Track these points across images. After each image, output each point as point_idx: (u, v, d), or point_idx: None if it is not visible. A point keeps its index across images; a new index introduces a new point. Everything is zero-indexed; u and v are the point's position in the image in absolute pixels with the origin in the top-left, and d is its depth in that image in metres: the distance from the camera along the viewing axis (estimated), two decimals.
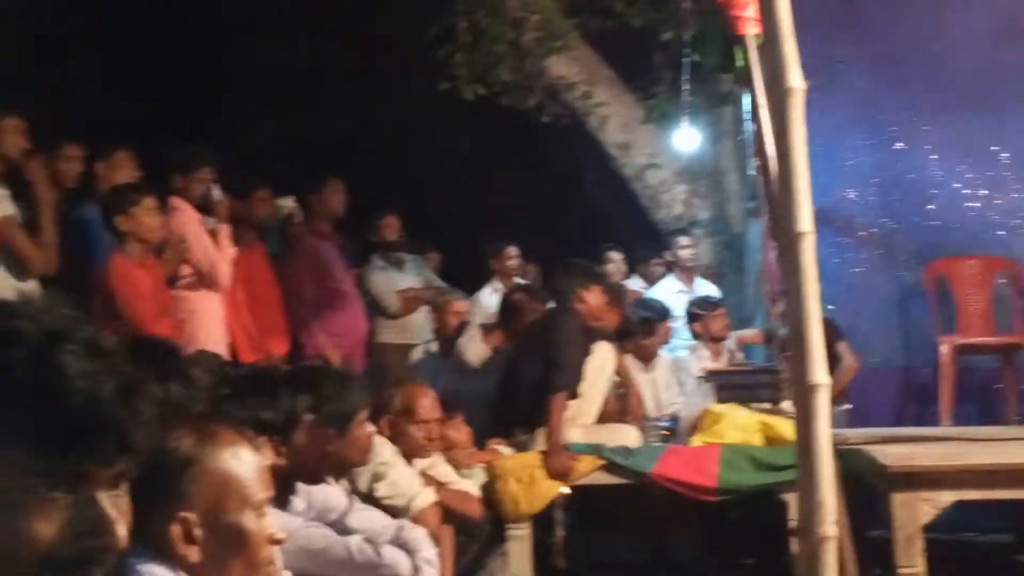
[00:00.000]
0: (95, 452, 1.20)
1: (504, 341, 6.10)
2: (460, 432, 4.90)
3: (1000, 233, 7.17)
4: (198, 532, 1.81)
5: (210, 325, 5.56)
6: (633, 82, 9.08)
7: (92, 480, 1.21)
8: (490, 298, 7.43)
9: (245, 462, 1.89)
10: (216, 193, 5.70)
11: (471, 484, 4.87)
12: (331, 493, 3.41)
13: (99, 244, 5.39)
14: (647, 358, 6.73)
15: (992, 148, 7.16)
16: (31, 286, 4.98)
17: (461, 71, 8.79)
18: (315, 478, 3.19)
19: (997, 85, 7.13)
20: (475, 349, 6.18)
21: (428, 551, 3.38)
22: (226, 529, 1.84)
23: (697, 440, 5.45)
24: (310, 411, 3.06)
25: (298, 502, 3.18)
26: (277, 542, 1.93)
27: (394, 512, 3.83)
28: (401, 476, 4.08)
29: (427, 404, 4.37)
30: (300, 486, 3.17)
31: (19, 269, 5.03)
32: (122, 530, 1.24)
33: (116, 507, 1.23)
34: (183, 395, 2.45)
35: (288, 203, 6.71)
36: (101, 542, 1.22)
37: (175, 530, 1.80)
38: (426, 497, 4.12)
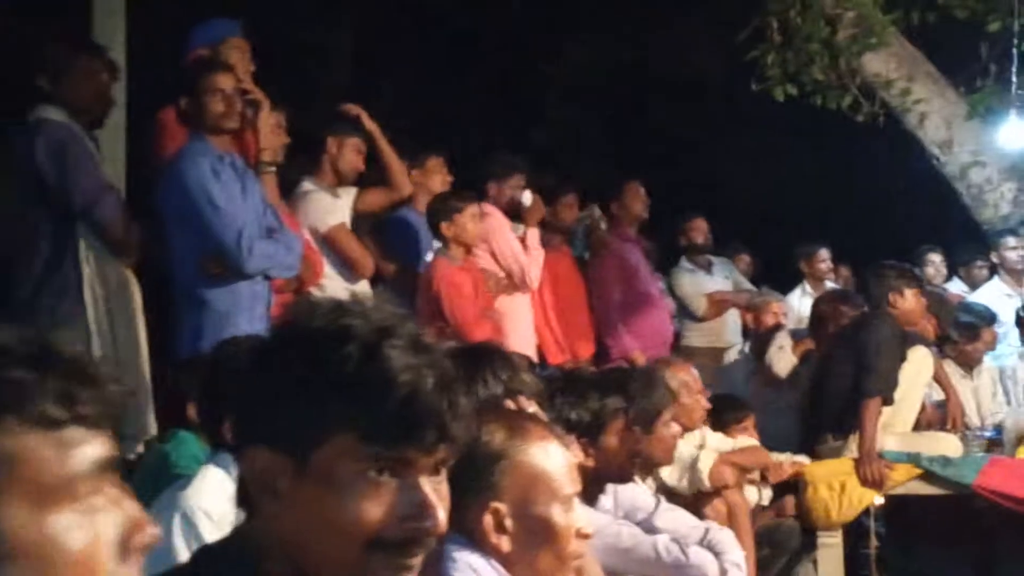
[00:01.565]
0: (418, 440, 1.29)
1: (815, 348, 5.98)
2: (749, 434, 4.85)
3: None
4: (508, 523, 1.87)
5: (520, 327, 5.74)
6: (955, 76, 8.66)
7: (415, 466, 1.30)
8: (800, 301, 7.29)
9: (553, 457, 1.92)
10: (527, 197, 5.87)
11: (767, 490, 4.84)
12: (638, 493, 3.45)
13: (418, 245, 5.67)
14: (970, 365, 6.41)
15: None
16: (361, 287, 5.31)
17: (773, 71, 8.66)
18: (623, 477, 3.23)
19: None
20: (783, 359, 6.09)
21: (736, 553, 3.36)
22: (535, 521, 1.88)
23: (1023, 451, 5.16)
24: (618, 412, 3.11)
25: (606, 501, 3.24)
26: (585, 536, 1.95)
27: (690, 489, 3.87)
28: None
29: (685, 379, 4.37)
30: (608, 485, 3.22)
31: (350, 273, 5.36)
32: (443, 515, 1.32)
33: (437, 493, 1.31)
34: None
35: (595, 212, 6.82)
36: (424, 525, 1.30)
37: (487, 520, 1.86)
38: (708, 456, 4.13)
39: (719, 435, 4.69)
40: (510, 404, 2.36)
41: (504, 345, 4.78)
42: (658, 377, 3.55)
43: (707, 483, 4.23)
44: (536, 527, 1.88)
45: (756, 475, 4.93)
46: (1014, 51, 7.72)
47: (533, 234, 5.82)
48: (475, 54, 9.84)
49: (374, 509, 1.28)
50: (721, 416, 4.90)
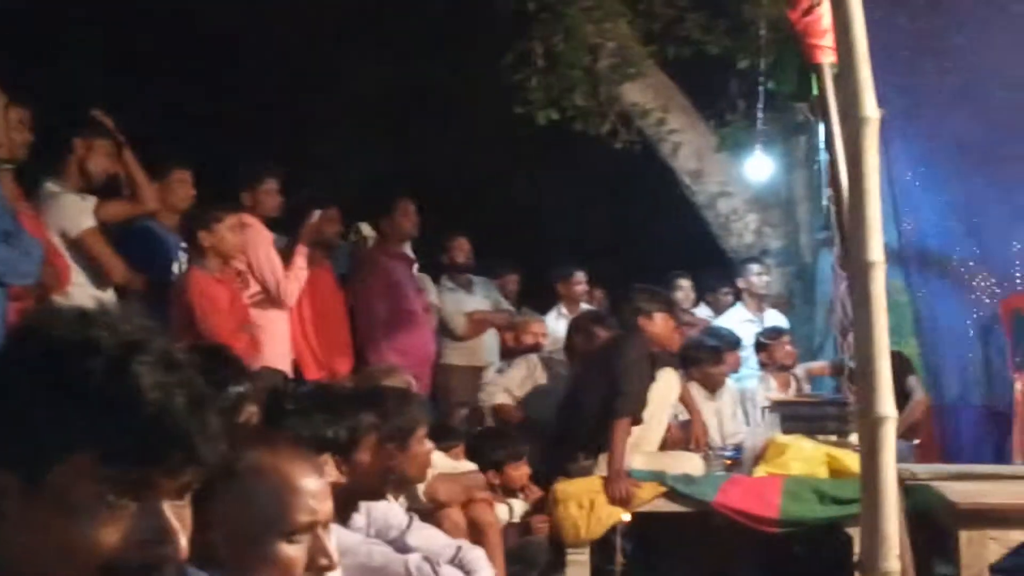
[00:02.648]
0: (163, 462, 1.23)
1: (568, 366, 6.11)
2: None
3: None
4: (224, 552, 1.76)
5: (275, 342, 5.64)
6: (708, 110, 9.07)
7: (158, 490, 1.23)
8: (555, 323, 7.43)
9: (281, 485, 1.81)
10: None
11: (519, 506, 4.90)
12: (391, 511, 3.43)
13: (163, 257, 5.48)
14: (713, 386, 6.69)
15: None
16: (109, 295, 5.09)
17: (536, 95, 8.84)
18: (376, 495, 3.20)
19: None
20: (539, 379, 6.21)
21: (486, 572, 3.38)
22: (251, 552, 1.77)
23: (761, 470, 5.41)
24: (372, 428, 3.08)
25: (359, 519, 3.20)
26: (323, 569, 1.82)
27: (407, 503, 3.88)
28: None
29: None
30: (361, 503, 3.19)
31: (99, 279, 5.14)
32: (183, 540, 1.26)
33: (179, 517, 1.25)
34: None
35: (366, 229, 6.77)
36: (162, 551, 1.24)
37: (211, 546, 1.74)
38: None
39: (441, 454, 4.73)
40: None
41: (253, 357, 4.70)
42: (414, 394, 3.54)
43: (423, 499, 4.27)
44: (253, 558, 1.76)
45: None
46: (761, 88, 8.13)
47: (302, 251, 5.73)
48: (237, 61, 9.63)
49: (110, 534, 1.21)
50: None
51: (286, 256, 5.71)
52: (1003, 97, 7.10)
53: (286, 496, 1.80)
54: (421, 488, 4.25)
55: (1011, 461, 6.58)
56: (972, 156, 7.16)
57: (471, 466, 4.82)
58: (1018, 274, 7.10)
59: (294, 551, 1.78)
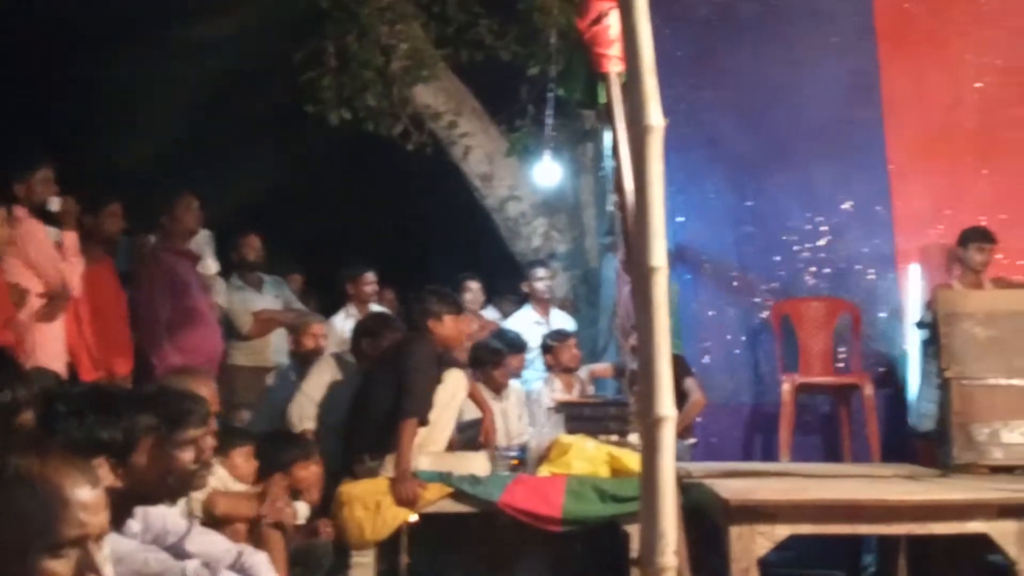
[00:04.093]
0: None
1: (357, 366, 6.07)
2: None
3: (843, 277, 7.44)
4: None
5: (49, 341, 5.38)
6: (498, 115, 9.18)
7: None
8: (344, 323, 7.37)
9: (49, 496, 1.71)
10: (56, 202, 5.49)
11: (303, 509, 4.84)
12: (169, 516, 3.33)
13: None
14: (498, 388, 6.76)
15: (838, 196, 7.44)
16: None
17: (327, 95, 8.75)
18: (153, 499, 3.10)
19: (845, 137, 7.42)
20: (328, 379, 6.12)
21: None
22: (13, 567, 1.68)
23: (544, 470, 5.49)
24: (150, 430, 2.98)
25: (134, 524, 3.10)
26: None
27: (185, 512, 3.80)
28: None
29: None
30: (138, 509, 3.08)
31: None
32: None
33: None
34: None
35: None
36: None
37: None
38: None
39: (224, 471, 4.63)
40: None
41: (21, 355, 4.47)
42: (193, 394, 3.44)
43: (198, 511, 4.17)
44: (13, 574, 1.66)
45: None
46: (550, 95, 8.27)
47: (71, 238, 5.48)
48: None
49: None
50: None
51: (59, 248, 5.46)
52: (775, 114, 7.46)
53: (54, 508, 1.70)
54: (198, 502, 4.14)
55: (778, 459, 6.92)
56: (746, 169, 7.49)
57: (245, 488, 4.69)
58: (784, 279, 7.46)
59: (60, 566, 1.69)
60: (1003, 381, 5.71)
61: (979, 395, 5.71)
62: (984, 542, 4.41)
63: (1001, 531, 4.34)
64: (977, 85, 7.41)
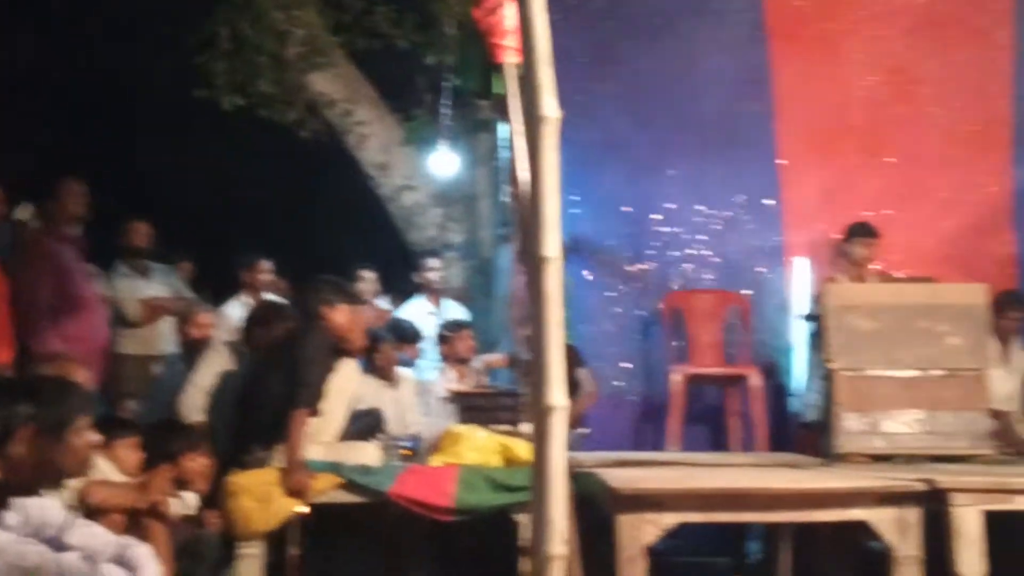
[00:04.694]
0: None
1: (249, 355, 5.99)
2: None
3: (733, 269, 7.57)
4: None
5: None
6: (395, 103, 9.12)
7: None
8: (236, 312, 7.27)
9: None
10: None
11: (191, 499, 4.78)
12: (48, 508, 3.24)
13: None
14: (386, 375, 6.73)
15: (730, 189, 7.56)
16: None
17: (221, 80, 8.62)
18: (31, 490, 3.03)
19: (737, 131, 7.54)
20: (219, 368, 6.03)
21: (151, 568, 3.25)
22: None
23: (436, 460, 5.49)
24: (27, 419, 2.91)
25: (12, 516, 3.01)
26: None
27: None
28: None
29: None
30: (16, 500, 3.00)
31: None
32: None
33: None
34: None
35: (26, 212, 6.37)
36: None
37: None
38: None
39: (108, 463, 4.55)
40: None
41: None
42: (72, 383, 3.36)
43: (75, 501, 4.10)
44: None
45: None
46: (447, 85, 8.26)
47: None
48: None
49: None
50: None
51: None
52: (670, 108, 7.55)
53: None
54: (75, 491, 4.05)
55: (667, 448, 7.02)
56: (640, 162, 7.58)
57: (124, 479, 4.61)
58: (676, 272, 7.57)
59: None
60: (884, 373, 5.87)
61: (861, 386, 5.86)
62: (864, 529, 4.52)
63: (880, 518, 4.46)
64: (865, 83, 7.60)
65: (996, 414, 6.53)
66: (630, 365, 7.57)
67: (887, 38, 7.58)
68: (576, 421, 6.73)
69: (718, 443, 7.32)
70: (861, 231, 7.07)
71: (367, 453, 5.46)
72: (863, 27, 7.61)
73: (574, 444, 5.93)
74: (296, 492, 5.11)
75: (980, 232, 7.51)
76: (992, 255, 7.51)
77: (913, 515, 4.45)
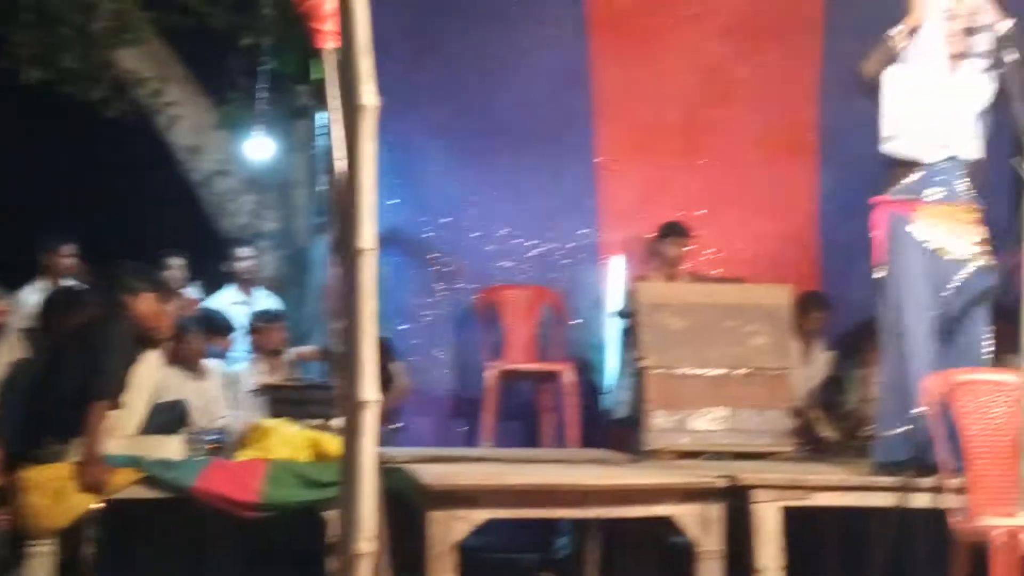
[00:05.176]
0: None
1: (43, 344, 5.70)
2: None
3: (549, 266, 7.61)
4: None
5: None
6: (208, 84, 8.85)
7: None
8: (33, 298, 6.91)
9: None
10: None
11: None
12: None
13: None
14: (192, 366, 6.51)
15: (548, 185, 7.59)
16: None
17: (22, 52, 8.20)
18: None
19: (558, 128, 7.58)
20: (12, 356, 5.72)
21: None
22: None
23: (243, 455, 5.34)
24: None
25: None
26: None
27: None
28: None
29: None
30: None
31: None
32: None
33: None
34: None
35: None
36: None
37: None
38: None
39: None
40: None
41: None
42: None
43: None
44: None
45: None
46: (263, 68, 8.06)
47: None
48: None
49: None
50: None
51: None
52: (492, 101, 7.53)
53: None
54: None
55: (479, 444, 7.02)
56: (461, 153, 7.54)
57: None
58: (492, 267, 7.57)
59: None
60: (693, 371, 5.99)
61: (671, 384, 5.97)
62: (670, 525, 4.60)
63: (684, 514, 4.55)
64: (682, 83, 7.74)
65: (797, 412, 6.76)
66: (445, 359, 7.53)
67: (704, 39, 7.73)
68: (389, 416, 6.66)
69: (531, 439, 7.35)
70: (674, 231, 7.21)
71: (170, 447, 5.27)
72: (682, 27, 7.74)
73: (386, 439, 5.87)
74: (92, 487, 4.89)
75: (787, 235, 7.75)
76: (798, 257, 7.75)
77: (715, 511, 4.55)
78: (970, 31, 4.73)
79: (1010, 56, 4.50)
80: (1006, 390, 4.32)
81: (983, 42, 4.78)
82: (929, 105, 4.79)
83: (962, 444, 4.29)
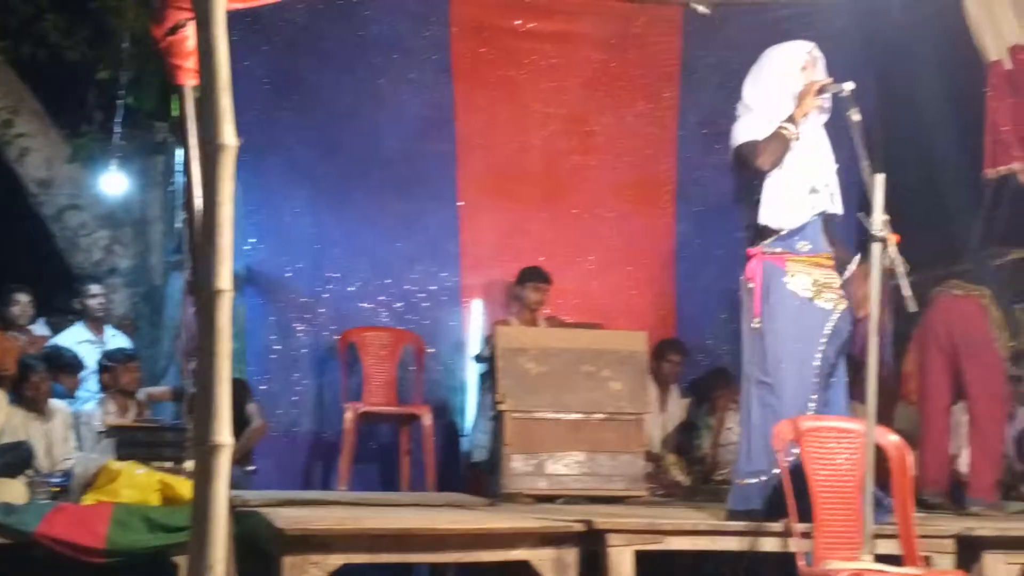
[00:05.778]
0: None
1: None
2: None
3: (410, 308, 7.59)
4: None
5: None
6: (62, 117, 8.64)
7: None
8: None
9: None
10: None
11: None
12: None
13: None
14: (38, 407, 6.29)
15: (411, 227, 7.59)
16: None
17: None
18: None
19: (421, 170, 7.60)
20: None
21: None
22: None
23: (90, 498, 5.17)
24: None
25: None
26: None
27: None
28: None
29: None
30: None
31: None
32: None
33: None
34: None
35: None
36: None
37: None
38: None
39: None
40: None
41: None
42: None
43: None
44: None
45: None
46: (120, 102, 7.91)
47: None
48: None
49: None
50: None
51: None
52: (356, 142, 7.52)
53: None
54: None
55: (336, 487, 6.93)
56: (323, 194, 7.49)
57: None
58: (353, 308, 7.51)
59: None
60: (551, 415, 6.04)
61: (529, 428, 6.00)
62: (527, 569, 4.61)
63: (541, 558, 4.55)
64: (544, 132, 7.86)
65: (652, 457, 6.87)
66: (303, 401, 7.42)
67: (566, 89, 7.88)
68: (244, 457, 6.54)
69: (389, 482, 7.29)
70: (534, 276, 7.27)
71: (12, 490, 5.09)
72: (543, 77, 7.87)
73: (240, 481, 5.77)
74: None
75: (645, 281, 7.91)
76: (655, 304, 7.91)
77: (571, 555, 4.57)
78: (822, 91, 4.91)
79: (855, 116, 4.68)
80: (850, 437, 4.45)
81: (831, 103, 4.98)
82: (797, 171, 4.92)
83: (809, 489, 4.40)
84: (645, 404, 6.33)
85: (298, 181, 7.44)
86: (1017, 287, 6.10)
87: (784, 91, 4.97)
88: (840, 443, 4.45)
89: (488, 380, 6.59)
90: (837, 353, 4.91)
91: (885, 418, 5.23)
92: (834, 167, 5.05)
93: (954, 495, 6.09)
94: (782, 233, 4.90)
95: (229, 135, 2.61)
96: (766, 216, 4.89)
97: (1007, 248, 6.09)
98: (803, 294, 4.87)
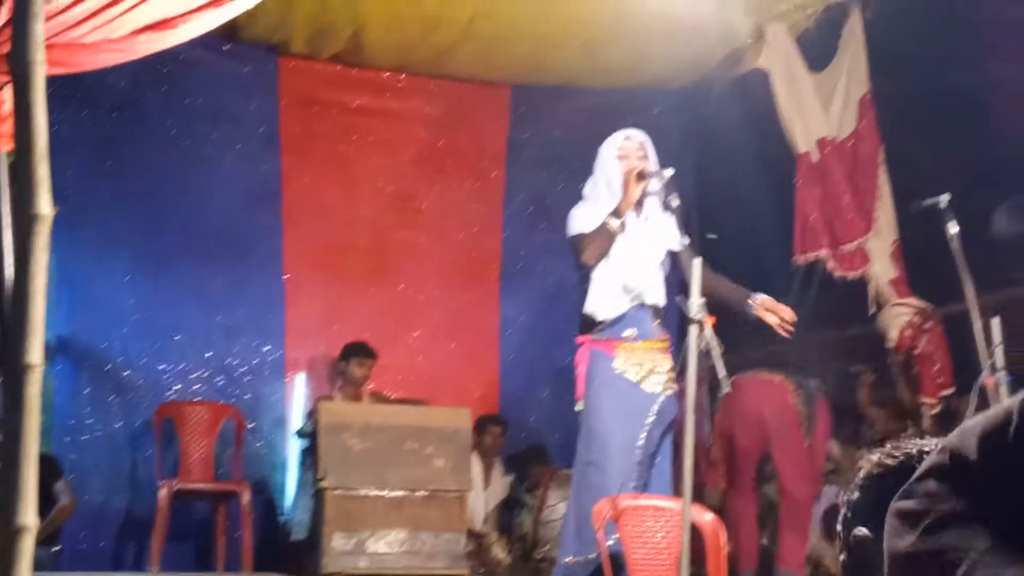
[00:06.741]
0: None
1: None
2: None
3: (231, 382, 7.43)
4: None
5: None
6: None
7: None
8: None
9: None
10: None
11: None
12: None
13: None
14: None
15: (234, 300, 7.46)
16: None
17: None
18: None
19: (245, 242, 7.49)
20: None
21: None
22: None
23: None
24: None
25: None
26: None
27: None
28: None
29: None
30: None
31: None
32: None
33: None
34: None
35: None
36: None
37: None
38: None
39: None
40: None
41: None
42: None
43: None
44: None
45: None
46: None
47: None
48: None
49: None
50: None
51: None
52: (177, 212, 7.37)
53: None
54: None
55: (148, 568, 6.68)
56: (141, 265, 7.31)
57: None
58: (171, 382, 7.32)
59: None
60: (374, 492, 5.97)
61: (351, 505, 5.92)
62: None
63: None
64: (372, 207, 7.87)
65: (474, 534, 6.86)
66: (116, 477, 7.15)
67: (395, 165, 7.93)
68: (49, 537, 6.25)
69: (205, 562, 7.07)
70: (358, 351, 7.23)
71: None
72: (372, 152, 7.91)
73: (45, 562, 5.51)
74: None
75: (469, 358, 7.95)
76: (479, 380, 7.95)
77: None
78: (641, 177, 5.04)
79: (674, 201, 4.83)
80: (667, 515, 4.55)
81: (652, 189, 5.12)
82: (616, 263, 5.03)
83: (627, 567, 4.46)
84: (468, 481, 6.33)
85: (116, 250, 7.25)
86: (820, 368, 6.36)
87: (608, 181, 5.10)
88: (657, 521, 4.54)
89: (310, 456, 6.49)
90: (662, 435, 5.01)
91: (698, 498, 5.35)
92: (659, 258, 5.15)
93: (763, 572, 6.26)
94: (607, 322, 5.00)
95: (45, 204, 2.54)
96: (590, 306, 5.00)
97: (815, 331, 6.36)
98: (630, 378, 4.97)
